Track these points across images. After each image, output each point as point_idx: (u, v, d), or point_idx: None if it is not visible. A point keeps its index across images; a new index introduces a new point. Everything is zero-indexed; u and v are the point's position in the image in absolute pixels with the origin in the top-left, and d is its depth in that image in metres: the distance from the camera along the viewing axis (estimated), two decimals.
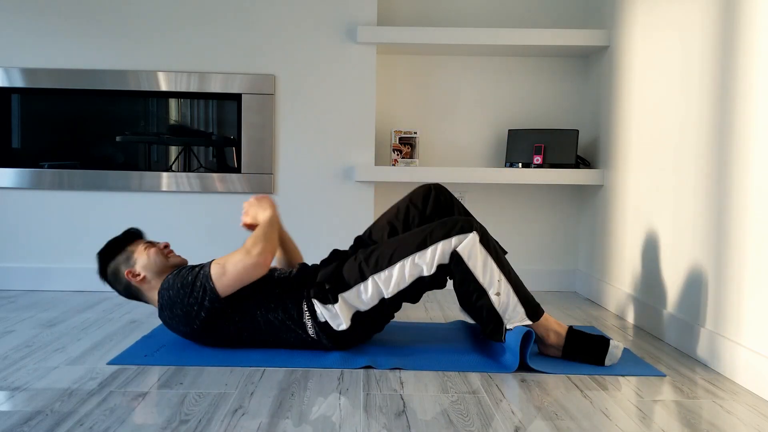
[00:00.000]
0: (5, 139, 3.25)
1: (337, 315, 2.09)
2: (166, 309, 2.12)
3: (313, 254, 3.23)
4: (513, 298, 2.06)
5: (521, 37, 3.16)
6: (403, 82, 3.44)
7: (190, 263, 2.27)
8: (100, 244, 3.19)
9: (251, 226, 2.30)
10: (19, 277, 3.20)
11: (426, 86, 3.44)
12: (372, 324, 2.17)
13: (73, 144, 3.33)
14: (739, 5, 2.01)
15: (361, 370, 2.02)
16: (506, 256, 2.16)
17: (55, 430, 1.51)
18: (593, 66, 3.32)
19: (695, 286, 2.23)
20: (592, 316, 2.82)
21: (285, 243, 2.45)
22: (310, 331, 2.12)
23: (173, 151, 3.36)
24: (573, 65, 3.43)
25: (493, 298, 2.05)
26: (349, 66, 3.21)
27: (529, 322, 2.08)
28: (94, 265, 3.18)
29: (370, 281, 2.08)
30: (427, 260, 2.06)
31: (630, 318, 2.73)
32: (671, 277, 2.40)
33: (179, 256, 2.28)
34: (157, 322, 2.57)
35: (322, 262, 2.23)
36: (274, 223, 2.23)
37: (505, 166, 3.34)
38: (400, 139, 3.30)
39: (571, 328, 2.14)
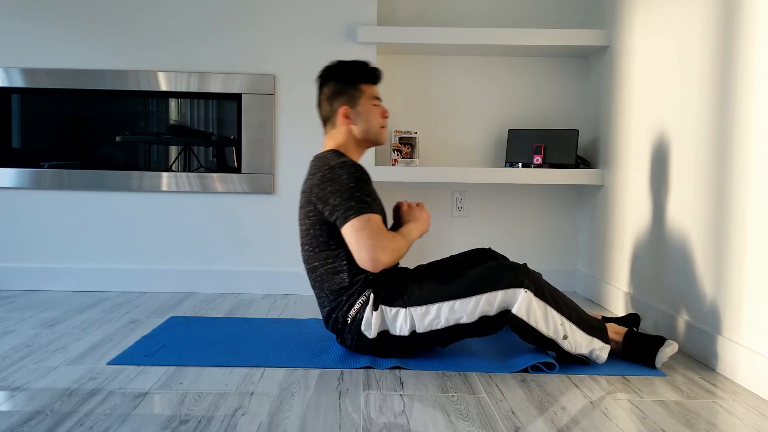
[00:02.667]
0: (5, 139, 3.25)
1: (371, 322, 2.06)
2: (329, 170, 2.06)
3: None
4: (581, 335, 2.03)
5: (521, 37, 3.16)
6: (403, 82, 3.44)
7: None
8: (101, 244, 3.21)
9: (401, 215, 2.23)
10: (19, 277, 3.20)
11: (426, 86, 3.44)
12: (396, 350, 2.10)
13: (73, 144, 3.33)
14: (739, 6, 2.01)
15: (361, 370, 2.02)
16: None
17: (55, 430, 1.51)
18: (593, 66, 3.32)
19: (695, 286, 2.23)
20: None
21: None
22: (351, 313, 2.09)
23: (173, 151, 3.36)
24: (573, 65, 3.43)
25: (564, 344, 2.02)
26: None
27: (607, 347, 2.06)
28: (94, 265, 3.20)
29: (407, 312, 2.05)
30: (468, 309, 2.00)
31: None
32: (671, 278, 2.40)
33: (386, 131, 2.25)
34: (157, 322, 2.57)
35: (393, 270, 2.20)
36: (412, 239, 2.16)
37: (505, 166, 3.34)
38: (400, 139, 3.30)
39: (629, 331, 2.13)
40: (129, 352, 2.14)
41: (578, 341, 2.02)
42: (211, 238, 3.23)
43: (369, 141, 2.23)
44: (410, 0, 3.41)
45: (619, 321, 2.36)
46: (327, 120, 2.24)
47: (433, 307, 2.02)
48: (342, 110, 2.17)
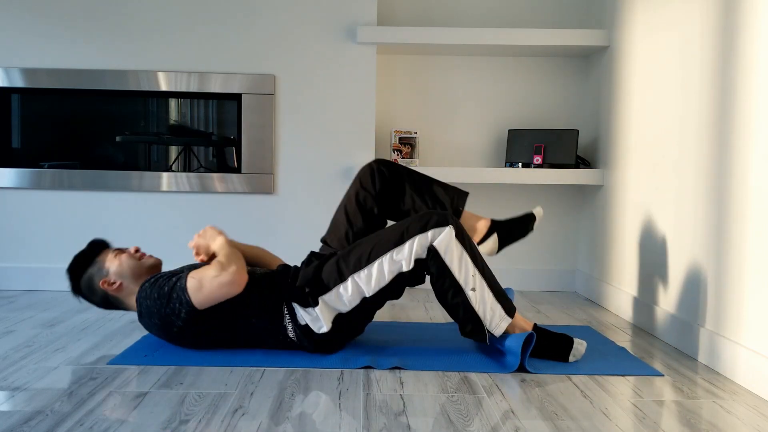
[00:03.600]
0: (5, 139, 3.25)
1: (318, 318, 2.07)
2: (145, 317, 2.12)
3: None
4: (489, 295, 2.06)
5: (521, 37, 3.16)
6: (403, 82, 3.44)
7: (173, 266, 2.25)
8: None
9: (209, 260, 2.24)
10: (19, 277, 3.20)
11: (426, 86, 3.44)
12: (353, 325, 2.15)
13: (73, 144, 3.33)
14: (739, 5, 2.01)
15: (361, 370, 2.02)
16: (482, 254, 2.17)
17: (55, 430, 1.51)
18: (593, 66, 3.32)
19: (695, 286, 2.23)
20: (592, 316, 2.82)
21: (253, 258, 2.39)
22: (290, 334, 2.11)
23: (173, 151, 3.36)
24: (573, 65, 3.43)
25: (469, 293, 2.04)
26: (349, 66, 3.21)
27: (508, 320, 2.08)
28: None
29: (350, 281, 2.06)
30: (405, 256, 2.04)
31: (630, 318, 2.73)
32: (671, 277, 2.40)
33: (152, 257, 2.27)
34: None
35: (302, 263, 2.21)
36: (230, 245, 2.18)
37: (505, 166, 3.34)
38: (400, 139, 3.30)
39: (536, 326, 2.15)
40: (129, 352, 2.14)
41: (485, 299, 2.05)
42: None
43: (141, 275, 2.21)
44: (410, 0, 3.41)
45: (515, 221, 2.38)
46: (111, 302, 2.22)
47: (374, 265, 2.05)
48: (104, 287, 2.16)
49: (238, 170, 3.24)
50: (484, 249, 2.32)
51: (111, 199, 3.22)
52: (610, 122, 3.05)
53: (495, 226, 2.34)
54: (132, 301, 2.19)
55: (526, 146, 3.28)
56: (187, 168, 3.35)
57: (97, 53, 3.18)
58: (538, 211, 2.40)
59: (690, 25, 2.30)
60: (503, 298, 2.09)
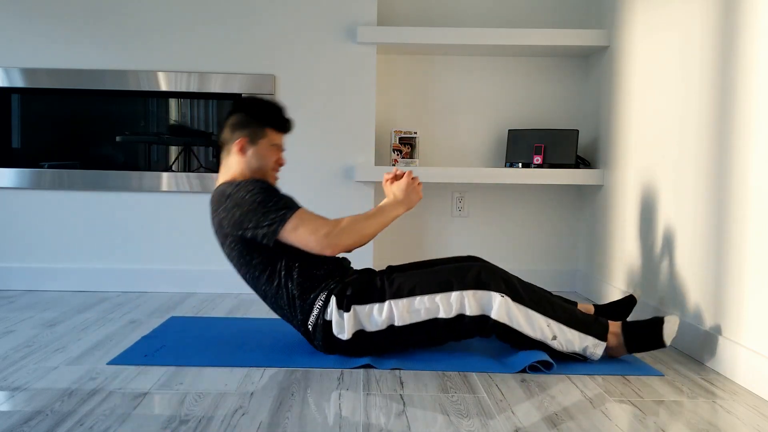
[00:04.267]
0: (5, 139, 3.25)
1: (343, 324, 2.06)
2: (228, 200, 2.07)
3: None
4: (572, 333, 2.02)
5: (521, 37, 3.16)
6: (403, 82, 3.44)
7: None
8: (101, 244, 3.21)
9: (386, 190, 2.21)
10: (19, 277, 3.20)
11: (426, 86, 3.44)
12: (372, 347, 2.10)
13: (73, 144, 3.33)
14: (739, 5, 2.01)
15: (361, 370, 2.02)
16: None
17: (55, 430, 1.51)
18: (593, 66, 3.32)
19: (695, 286, 2.23)
20: None
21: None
22: (311, 319, 2.09)
23: (173, 151, 3.36)
24: (573, 65, 3.43)
25: (554, 344, 2.02)
26: (349, 66, 3.21)
27: (603, 344, 2.04)
28: (94, 265, 3.20)
29: (386, 304, 2.04)
30: (445, 305, 2.01)
31: (630, 318, 2.72)
32: (671, 277, 2.40)
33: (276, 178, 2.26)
34: (157, 322, 2.57)
35: (358, 270, 2.22)
36: (389, 223, 2.16)
37: (505, 166, 3.34)
38: (400, 139, 3.30)
39: (622, 324, 2.10)
40: (129, 352, 2.14)
41: (569, 339, 2.03)
42: (211, 238, 3.21)
43: (261, 172, 2.20)
44: (410, 0, 3.41)
45: (615, 305, 2.36)
46: (223, 145, 2.23)
47: (415, 300, 2.03)
48: (239, 141, 2.16)
49: None
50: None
51: (111, 199, 3.22)
52: (610, 122, 3.05)
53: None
54: (232, 170, 2.16)
55: (526, 146, 3.28)
56: (187, 168, 3.35)
57: (97, 53, 3.18)
58: (637, 293, 2.41)
59: (690, 25, 2.30)
60: (588, 326, 2.04)
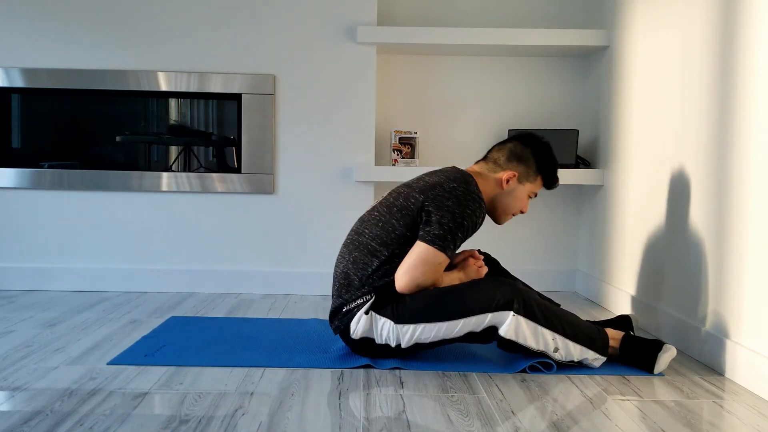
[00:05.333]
0: (5, 139, 3.25)
1: (359, 323, 2.06)
2: (448, 199, 2.05)
3: (311, 254, 3.24)
4: (574, 347, 2.02)
5: (521, 37, 3.16)
6: (403, 82, 3.44)
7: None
8: (101, 244, 3.21)
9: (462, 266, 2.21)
10: (19, 277, 3.20)
11: (426, 86, 3.44)
12: (373, 354, 2.10)
13: (73, 144, 3.33)
14: (739, 5, 2.01)
15: (361, 370, 2.02)
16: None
17: (55, 430, 1.51)
18: (593, 66, 3.32)
19: (695, 286, 2.23)
20: (592, 317, 2.82)
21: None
22: (351, 305, 2.07)
23: (173, 151, 3.36)
24: (573, 65, 3.43)
25: (554, 355, 2.02)
26: (349, 66, 3.21)
27: (603, 359, 2.05)
28: (94, 265, 3.19)
29: (395, 327, 2.03)
30: (456, 329, 2.01)
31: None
32: (671, 277, 2.40)
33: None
34: (157, 322, 2.57)
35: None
36: (453, 281, 2.14)
37: None
38: (400, 139, 3.30)
39: (626, 335, 2.10)
40: (129, 352, 2.14)
41: (570, 352, 2.03)
42: (211, 238, 3.23)
43: (491, 208, 2.22)
44: (410, 0, 3.41)
45: (609, 323, 2.35)
46: (493, 161, 2.22)
47: (420, 327, 2.02)
48: (509, 173, 2.18)
49: (238, 170, 3.24)
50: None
51: (111, 199, 3.22)
52: (610, 122, 3.05)
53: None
54: (487, 184, 2.18)
55: None
56: (187, 168, 3.35)
57: (97, 53, 3.18)
58: (635, 318, 2.38)
59: (690, 25, 2.30)
60: (591, 341, 2.05)
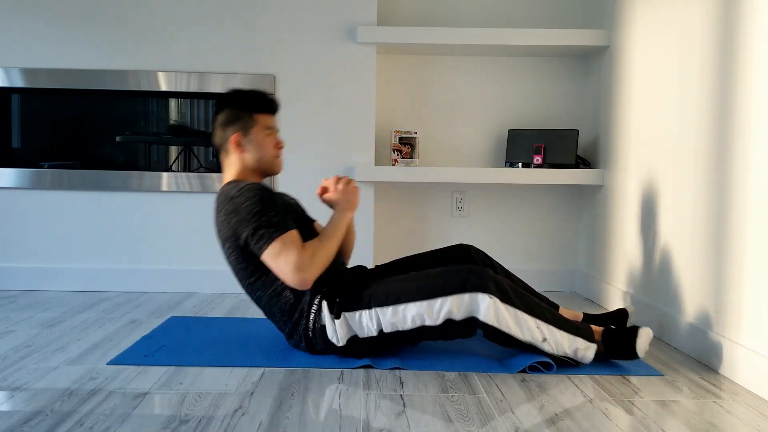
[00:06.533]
0: (5, 139, 3.25)
1: (336, 331, 2.06)
2: (230, 203, 2.05)
3: None
4: (562, 335, 2.01)
5: (521, 37, 3.16)
6: (403, 82, 3.44)
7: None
8: (101, 244, 3.21)
9: (326, 202, 2.21)
10: (19, 277, 3.20)
11: (426, 86, 3.44)
12: (368, 350, 2.10)
13: (73, 144, 3.33)
14: (739, 6, 2.01)
15: (361, 370, 2.02)
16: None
17: (55, 430, 1.51)
18: (593, 66, 3.32)
19: (695, 286, 2.23)
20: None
21: (346, 246, 2.34)
22: (310, 326, 2.09)
23: (173, 151, 3.36)
24: (573, 65, 3.43)
25: (544, 346, 2.00)
26: (349, 66, 3.21)
27: (594, 346, 2.03)
28: (93, 265, 3.19)
29: (372, 312, 2.04)
30: (433, 311, 1.99)
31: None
32: (671, 277, 2.40)
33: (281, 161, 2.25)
34: (157, 322, 2.57)
35: (350, 270, 2.22)
36: (345, 230, 2.14)
37: (505, 166, 3.34)
38: (400, 139, 3.30)
39: (605, 330, 2.10)
40: (129, 352, 2.14)
41: (559, 341, 2.01)
42: (211, 238, 3.22)
43: (263, 170, 2.21)
44: (410, 0, 3.41)
45: (607, 317, 2.36)
46: (220, 147, 2.22)
47: (399, 308, 2.02)
48: (234, 137, 2.16)
49: None
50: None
51: (111, 199, 3.22)
52: (610, 122, 3.05)
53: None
54: (231, 170, 2.17)
55: (526, 146, 3.28)
56: (187, 168, 3.35)
57: (97, 53, 3.18)
58: (630, 309, 2.37)
59: (690, 25, 2.30)
60: (576, 328, 2.04)
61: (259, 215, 2.02)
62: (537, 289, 3.40)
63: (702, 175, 2.20)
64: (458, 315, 1.98)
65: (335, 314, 2.05)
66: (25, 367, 1.98)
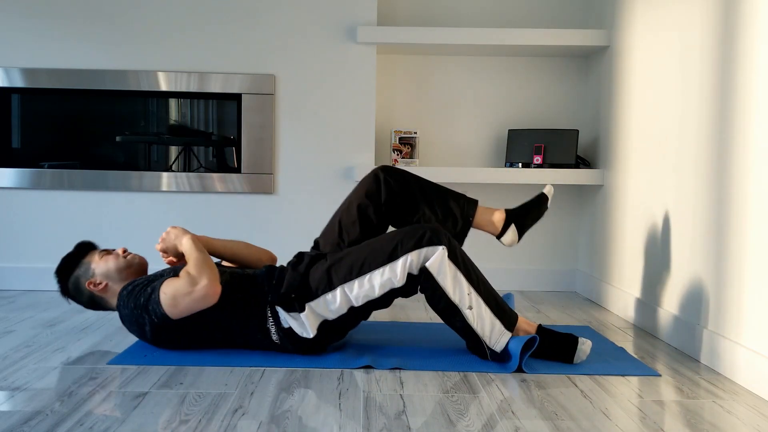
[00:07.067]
0: (5, 139, 3.25)
1: (304, 324, 2.06)
2: (125, 322, 2.14)
3: None
4: (486, 311, 2.03)
5: (521, 37, 3.16)
6: (403, 82, 3.44)
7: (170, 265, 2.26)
8: (101, 244, 3.20)
9: (179, 261, 2.26)
10: (19, 277, 3.20)
11: (426, 86, 3.44)
12: (338, 331, 2.13)
13: (73, 144, 3.33)
14: (739, 5, 2.01)
15: (361, 370, 2.02)
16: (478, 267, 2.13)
17: (55, 430, 1.51)
18: (593, 66, 3.32)
19: (695, 286, 2.23)
20: (592, 316, 2.82)
21: (231, 255, 2.37)
22: (274, 337, 2.10)
23: (173, 151, 3.36)
24: (573, 65, 3.43)
25: (466, 312, 2.03)
26: (349, 66, 3.21)
27: (509, 334, 2.05)
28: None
29: (338, 291, 2.04)
30: (397, 272, 2.02)
31: (630, 318, 2.73)
32: (671, 277, 2.40)
33: (137, 256, 2.28)
34: None
35: (288, 264, 2.19)
36: (198, 246, 2.15)
37: (505, 166, 3.34)
38: (400, 139, 3.30)
39: (540, 327, 2.13)
40: (129, 352, 2.14)
41: (482, 316, 2.03)
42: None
43: (126, 274, 2.24)
44: (410, 0, 3.41)
45: (529, 206, 2.32)
46: (97, 305, 2.27)
47: (365, 278, 2.03)
48: (88, 287, 2.21)
49: (238, 170, 3.24)
50: (505, 240, 2.29)
51: (111, 199, 3.22)
52: (610, 122, 3.05)
53: (511, 216, 2.29)
54: (113, 297, 2.22)
55: (526, 146, 3.28)
56: (187, 168, 3.35)
57: (97, 53, 3.18)
58: (548, 190, 2.34)
59: (690, 25, 2.31)
60: (502, 311, 2.06)
61: (137, 301, 2.07)
62: (536, 289, 3.41)
63: (702, 175, 2.20)
64: (416, 268, 2.03)
65: (299, 308, 2.06)
66: (25, 367, 1.98)
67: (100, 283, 2.21)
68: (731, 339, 2.01)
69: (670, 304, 2.41)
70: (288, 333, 2.08)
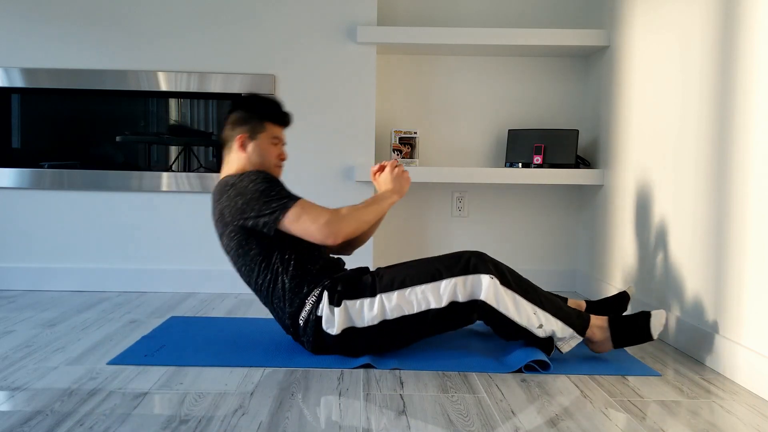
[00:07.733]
0: (5, 139, 3.25)
1: (333, 319, 2.06)
2: (231, 189, 2.09)
3: None
4: (557, 323, 2.05)
5: (521, 37, 3.16)
6: (403, 82, 3.44)
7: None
8: (101, 244, 3.21)
9: (375, 174, 2.28)
10: (19, 277, 3.20)
11: (426, 86, 3.44)
12: (360, 345, 2.09)
13: (73, 144, 3.33)
14: (739, 5, 2.01)
15: (361, 370, 2.02)
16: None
17: (55, 430, 1.51)
18: (593, 66, 3.32)
19: (695, 286, 2.23)
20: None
21: (365, 232, 2.39)
22: (302, 315, 2.09)
23: (173, 151, 3.36)
24: (573, 65, 3.43)
25: (538, 332, 2.04)
26: (349, 66, 3.21)
27: (579, 338, 2.07)
28: (93, 265, 3.19)
29: (377, 298, 2.05)
30: (437, 294, 2.03)
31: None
32: (671, 278, 2.40)
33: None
34: (157, 322, 2.57)
35: (352, 270, 2.23)
36: (381, 208, 2.18)
37: (505, 166, 3.34)
38: (400, 139, 3.30)
39: (610, 318, 2.12)
40: (129, 352, 2.14)
41: (554, 330, 2.05)
42: (211, 238, 3.21)
43: (263, 165, 2.23)
44: (410, 0, 3.41)
45: (608, 301, 2.38)
46: (225, 143, 2.25)
47: (405, 292, 2.04)
48: (239, 137, 2.20)
49: None
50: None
51: (111, 199, 3.22)
52: (610, 122, 3.05)
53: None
54: (233, 165, 2.20)
55: (526, 146, 3.28)
56: (187, 168, 3.35)
57: (97, 53, 3.18)
58: (630, 290, 2.43)
59: (690, 25, 2.31)
60: (571, 317, 2.07)
61: (267, 192, 2.07)
62: None
63: (702, 175, 2.20)
64: (461, 297, 2.02)
65: (336, 302, 2.06)
66: (25, 367, 1.98)
67: (244, 148, 2.18)
68: (731, 339, 2.01)
69: (669, 304, 2.41)
70: (316, 321, 2.08)
